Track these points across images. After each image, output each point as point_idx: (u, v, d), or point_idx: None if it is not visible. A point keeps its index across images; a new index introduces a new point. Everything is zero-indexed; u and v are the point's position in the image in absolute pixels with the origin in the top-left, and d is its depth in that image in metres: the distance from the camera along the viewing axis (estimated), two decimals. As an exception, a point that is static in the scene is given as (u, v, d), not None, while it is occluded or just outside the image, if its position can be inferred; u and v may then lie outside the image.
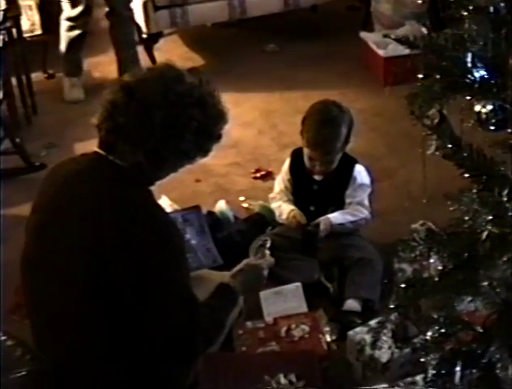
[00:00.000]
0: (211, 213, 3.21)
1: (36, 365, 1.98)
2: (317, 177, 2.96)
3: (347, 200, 2.95)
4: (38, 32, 4.58)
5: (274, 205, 3.06)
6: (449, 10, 1.47)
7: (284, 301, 2.71)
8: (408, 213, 3.08)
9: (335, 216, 2.90)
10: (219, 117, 2.06)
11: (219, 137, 2.09)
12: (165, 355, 1.96)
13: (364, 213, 2.94)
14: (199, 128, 1.98)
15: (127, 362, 1.97)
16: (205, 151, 2.08)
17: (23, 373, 1.94)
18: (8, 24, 3.91)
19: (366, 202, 2.97)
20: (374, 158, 3.60)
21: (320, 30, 5.11)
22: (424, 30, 1.51)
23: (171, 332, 1.95)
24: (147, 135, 1.93)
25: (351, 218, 2.91)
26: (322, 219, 2.87)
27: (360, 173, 2.98)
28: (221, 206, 3.27)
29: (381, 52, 4.29)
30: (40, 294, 2.03)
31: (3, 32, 3.84)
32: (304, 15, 5.21)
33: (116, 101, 1.96)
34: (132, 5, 4.76)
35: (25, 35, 4.32)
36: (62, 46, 4.48)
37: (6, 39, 3.88)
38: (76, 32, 4.40)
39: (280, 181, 3.07)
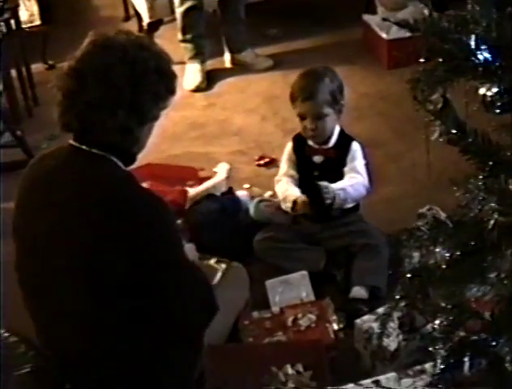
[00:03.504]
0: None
1: (39, 362, 1.97)
2: (317, 159, 2.91)
3: (346, 175, 2.90)
4: (37, 22, 4.56)
5: (279, 188, 2.98)
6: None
7: (291, 290, 2.69)
8: (414, 198, 3.04)
9: (334, 184, 2.82)
10: (165, 54, 2.08)
11: (176, 75, 2.10)
12: (193, 319, 2.05)
13: (362, 178, 2.86)
14: (157, 67, 2.00)
15: (147, 346, 2.00)
16: (172, 91, 2.08)
17: (27, 370, 1.93)
18: (6, 16, 3.89)
19: (363, 171, 2.89)
20: (380, 142, 3.56)
21: (322, 13, 5.05)
22: (426, 11, 1.46)
23: (191, 296, 2.03)
24: (119, 93, 1.92)
25: (349, 182, 2.84)
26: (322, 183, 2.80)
27: (357, 151, 2.91)
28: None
29: (384, 34, 4.23)
30: (42, 288, 2.01)
31: (2, 23, 3.81)
32: (306, -1, 5.16)
33: (71, 89, 1.94)
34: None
35: (24, 26, 4.28)
36: (178, 27, 4.30)
37: (5, 30, 3.85)
38: (188, 4, 4.21)
39: (286, 160, 3.01)
